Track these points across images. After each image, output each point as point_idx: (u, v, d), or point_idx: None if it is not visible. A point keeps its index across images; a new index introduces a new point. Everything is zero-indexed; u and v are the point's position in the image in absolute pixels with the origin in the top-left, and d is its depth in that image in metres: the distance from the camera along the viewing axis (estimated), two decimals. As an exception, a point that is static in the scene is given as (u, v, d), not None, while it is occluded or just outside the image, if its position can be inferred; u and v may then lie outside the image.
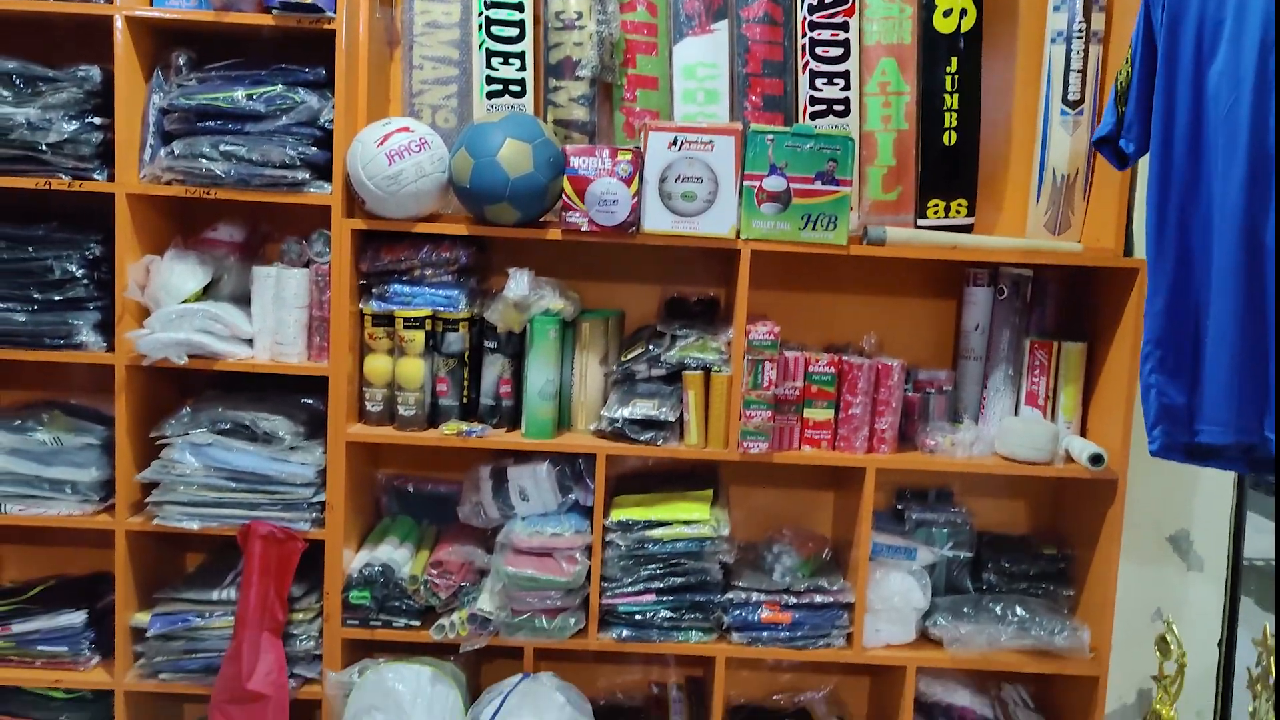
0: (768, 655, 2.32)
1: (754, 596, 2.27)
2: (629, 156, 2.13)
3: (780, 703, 2.51)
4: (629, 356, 2.28)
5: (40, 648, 2.27)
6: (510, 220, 2.16)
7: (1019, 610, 2.28)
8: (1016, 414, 2.34)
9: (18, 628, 2.26)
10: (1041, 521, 2.54)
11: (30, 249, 2.19)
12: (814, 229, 2.17)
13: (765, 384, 2.20)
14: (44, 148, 2.13)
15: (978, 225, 2.38)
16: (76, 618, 2.28)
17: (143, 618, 2.25)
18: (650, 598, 2.25)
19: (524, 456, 2.28)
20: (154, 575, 2.35)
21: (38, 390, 2.46)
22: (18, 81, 2.15)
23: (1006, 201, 2.43)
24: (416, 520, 2.50)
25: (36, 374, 2.43)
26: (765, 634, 2.26)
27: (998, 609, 2.29)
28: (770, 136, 2.15)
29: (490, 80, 2.30)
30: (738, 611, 2.26)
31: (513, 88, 2.30)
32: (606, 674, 2.58)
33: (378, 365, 2.25)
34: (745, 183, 2.15)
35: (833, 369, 2.27)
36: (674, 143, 2.15)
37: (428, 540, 2.42)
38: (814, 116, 2.30)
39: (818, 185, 2.16)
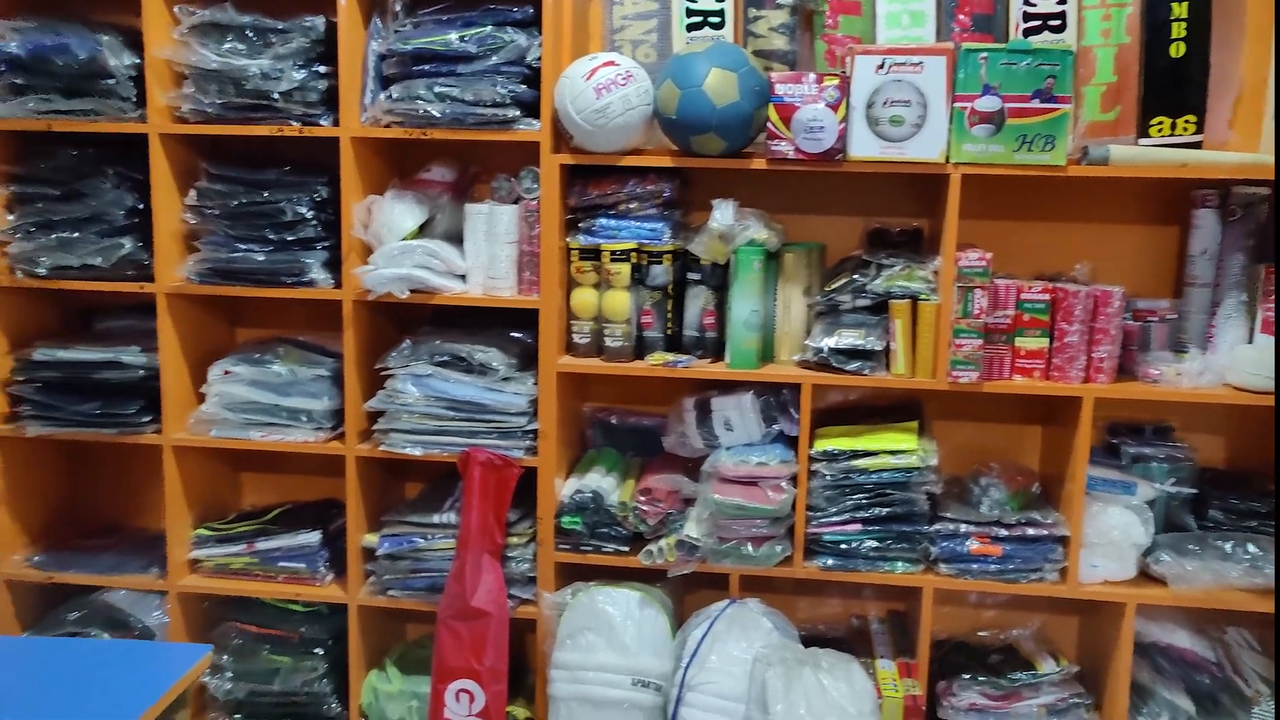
0: (976, 588, 2.29)
1: (962, 528, 2.24)
2: (835, 82, 2.10)
3: (985, 639, 2.47)
4: (833, 286, 2.26)
5: (281, 564, 2.45)
6: (716, 150, 2.17)
7: (1250, 548, 2.17)
8: (1250, 343, 2.21)
9: (261, 546, 2.45)
10: (1268, 457, 2.40)
11: (265, 193, 2.33)
12: (1029, 150, 2.09)
13: (975, 312, 2.15)
14: (275, 96, 2.26)
15: (1205, 144, 2.24)
16: (312, 537, 2.45)
17: (372, 539, 2.40)
18: (856, 527, 2.25)
19: (728, 387, 2.31)
20: (378, 500, 2.50)
21: (271, 328, 2.64)
22: (251, 34, 2.28)
23: (1238, 118, 2.28)
24: (620, 452, 2.57)
25: (268, 312, 2.61)
26: (974, 566, 2.23)
27: (1226, 546, 2.19)
28: (984, 55, 2.07)
29: (690, 13, 2.29)
30: (945, 543, 2.24)
31: (712, 19, 2.30)
32: (807, 606, 2.60)
33: (585, 298, 2.31)
34: (956, 105, 2.09)
35: (1047, 296, 2.19)
36: (881, 66, 2.10)
37: (633, 471, 2.48)
38: (1027, 34, 2.21)
39: (1034, 104, 2.07)
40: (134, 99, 2.32)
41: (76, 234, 2.38)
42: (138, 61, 2.30)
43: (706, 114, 2.09)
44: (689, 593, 2.53)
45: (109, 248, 2.36)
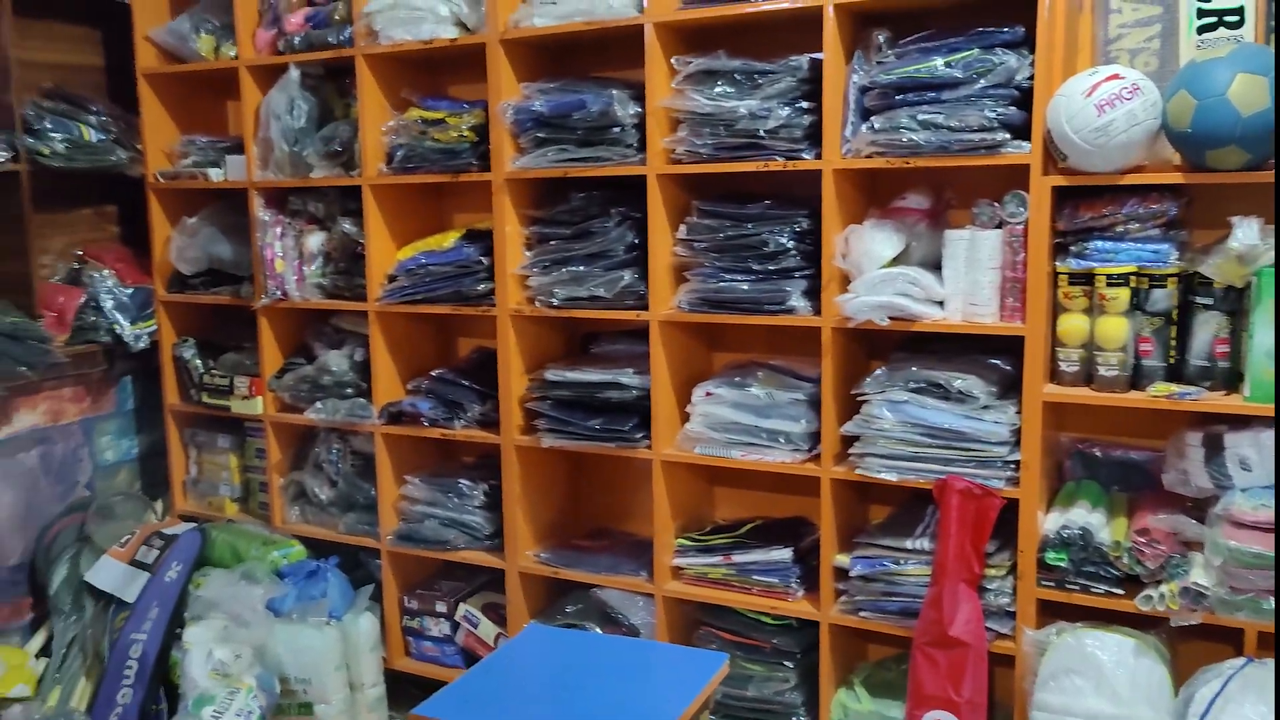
0: None
1: None
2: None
3: None
4: (1385, 311, 1.98)
5: (755, 577, 2.58)
6: (1235, 164, 1.98)
7: None
8: None
9: (738, 558, 2.60)
10: None
11: (749, 226, 2.48)
12: None
13: None
14: (762, 134, 2.39)
15: None
16: (785, 553, 2.55)
17: (844, 559, 2.46)
18: None
19: (1243, 422, 2.09)
20: (846, 521, 2.55)
21: (746, 352, 2.80)
22: (740, 78, 2.44)
23: None
24: (1103, 486, 2.42)
25: (744, 336, 2.77)
26: None
27: None
28: None
29: (1201, 13, 2.12)
30: None
31: (1228, 18, 2.10)
32: (1332, 672, 2.29)
33: (1073, 325, 2.21)
34: None
35: None
36: None
37: (1120, 507, 2.33)
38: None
39: None
40: (636, 144, 2.57)
41: (585, 268, 2.68)
42: (640, 110, 2.55)
43: (1229, 125, 1.92)
44: (1182, 641, 2.32)
45: (612, 280, 2.63)
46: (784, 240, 2.44)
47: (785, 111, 2.37)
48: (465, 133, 2.79)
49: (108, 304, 3.26)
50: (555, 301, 2.72)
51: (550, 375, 2.76)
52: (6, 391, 2.97)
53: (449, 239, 2.91)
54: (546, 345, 2.92)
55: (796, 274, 2.46)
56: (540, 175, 2.70)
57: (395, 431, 3.00)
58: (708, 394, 2.60)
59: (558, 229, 2.73)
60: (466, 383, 2.96)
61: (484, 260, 2.82)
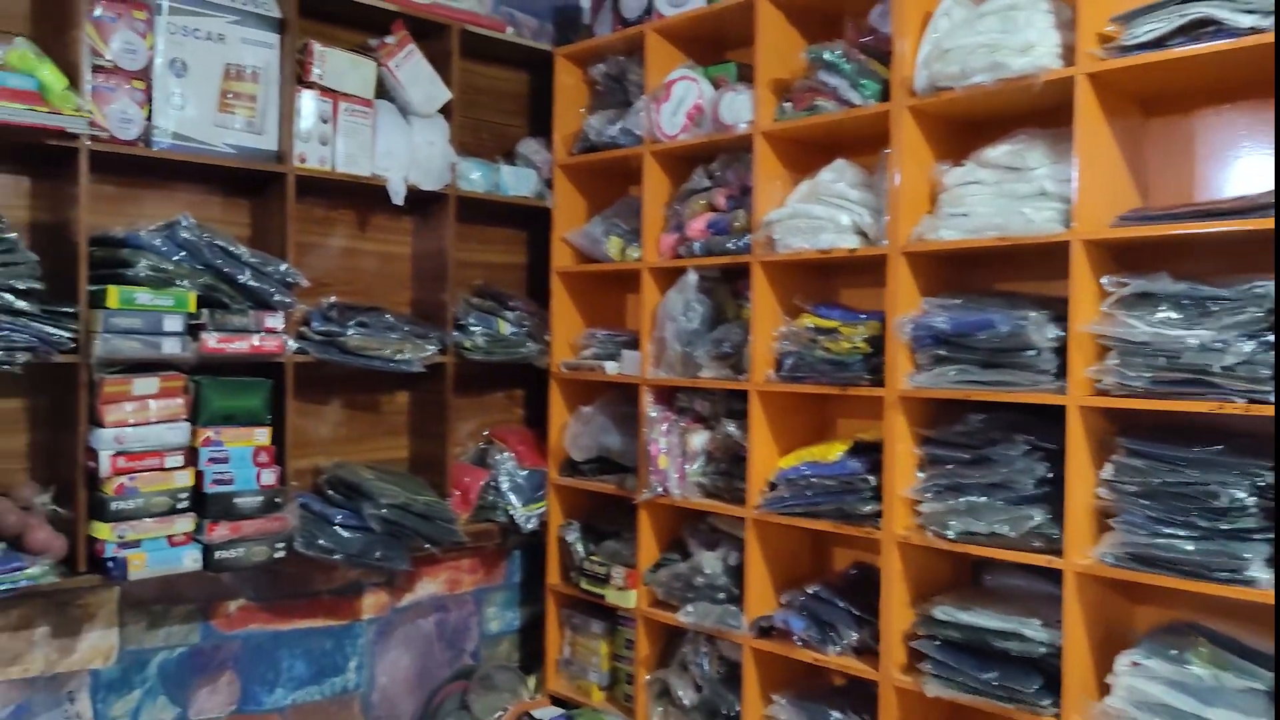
0: None
1: None
2: None
3: None
4: None
5: None
6: None
7: None
8: None
9: None
10: None
11: (1193, 472, 2.11)
12: None
13: None
14: (1216, 370, 2.05)
15: None
16: None
17: None
18: None
19: None
20: None
21: (1178, 608, 2.37)
22: (1185, 303, 2.12)
23: None
24: None
25: (1178, 592, 2.34)
26: None
27: None
28: None
29: None
30: None
31: None
32: None
33: None
34: None
35: None
36: None
37: None
38: None
39: None
40: (1053, 371, 2.31)
41: (984, 499, 2.41)
42: (1060, 334, 2.29)
43: None
44: None
45: (1018, 518, 2.34)
46: (1241, 494, 2.04)
47: (1248, 346, 2.02)
48: (858, 344, 2.67)
49: (505, 485, 3.45)
50: (950, 534, 2.46)
51: (939, 613, 2.49)
52: (413, 566, 3.19)
53: (834, 451, 2.77)
54: (934, 572, 2.66)
55: (1255, 535, 2.05)
56: (938, 396, 2.50)
57: (765, 646, 2.85)
58: (1134, 664, 2.20)
59: (954, 451, 2.50)
60: (843, 604, 2.76)
61: (870, 479, 2.65)
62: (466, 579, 3.63)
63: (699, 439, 3.12)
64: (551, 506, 3.53)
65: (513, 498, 3.46)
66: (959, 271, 2.70)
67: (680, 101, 3.14)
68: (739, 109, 2.96)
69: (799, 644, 2.78)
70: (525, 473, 3.51)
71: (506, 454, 3.53)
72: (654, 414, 3.18)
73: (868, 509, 2.65)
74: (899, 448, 2.57)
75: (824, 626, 2.76)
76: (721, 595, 3.02)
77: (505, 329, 3.42)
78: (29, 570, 2.39)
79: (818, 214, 2.75)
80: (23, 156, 2.62)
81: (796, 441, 2.93)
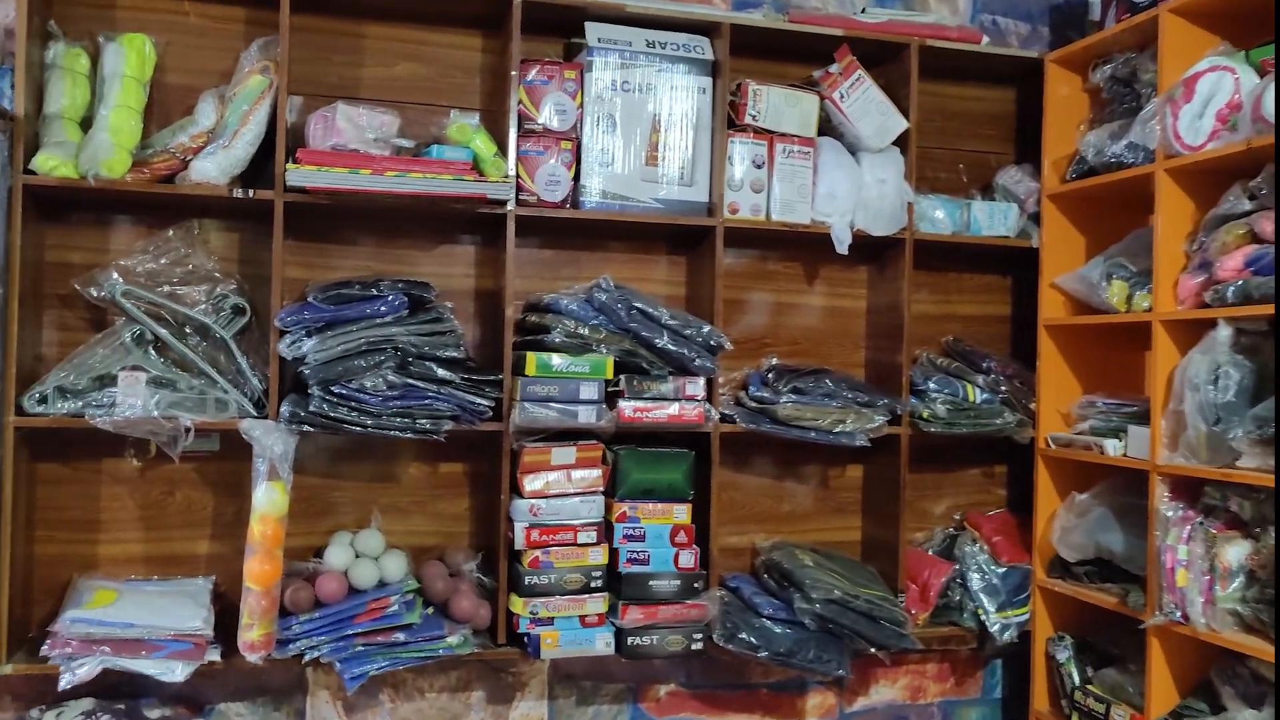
0: None
1: None
2: None
3: None
4: None
5: None
6: None
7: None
8: None
9: None
10: None
11: None
12: None
13: None
14: None
15: None
16: None
17: None
18: None
19: None
20: None
21: None
22: None
23: None
24: None
25: None
26: None
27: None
28: None
29: None
30: None
31: None
32: None
33: None
34: None
35: None
36: None
37: None
38: None
39: None
40: None
41: None
42: None
43: None
44: None
45: None
46: None
47: None
48: None
49: (975, 583, 2.87)
50: None
51: None
52: (852, 673, 2.74)
53: None
54: None
55: None
56: None
57: None
58: None
59: None
60: None
61: None
62: (932, 687, 3.09)
63: (1235, 551, 2.29)
64: (1037, 613, 2.86)
65: (984, 599, 2.85)
66: None
67: (1207, 100, 2.38)
68: (1294, 100, 2.13)
69: None
70: (1002, 570, 2.88)
71: (979, 544, 2.93)
72: (1169, 512, 2.41)
73: None
74: None
75: None
76: (1267, 775, 2.16)
77: (975, 395, 2.84)
78: (448, 640, 2.39)
79: None
80: (473, 227, 2.69)
81: (1393, 571, 2.00)
